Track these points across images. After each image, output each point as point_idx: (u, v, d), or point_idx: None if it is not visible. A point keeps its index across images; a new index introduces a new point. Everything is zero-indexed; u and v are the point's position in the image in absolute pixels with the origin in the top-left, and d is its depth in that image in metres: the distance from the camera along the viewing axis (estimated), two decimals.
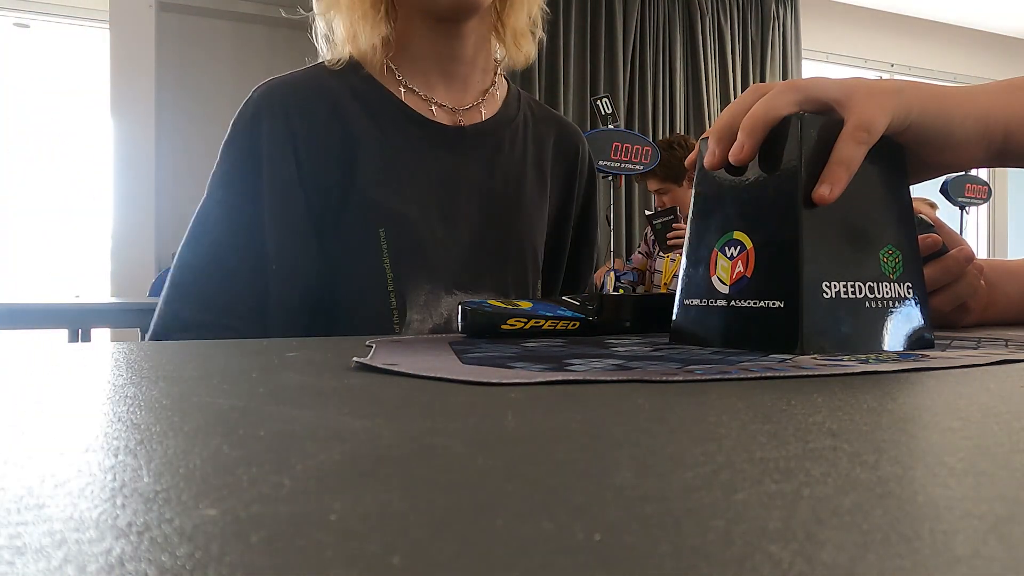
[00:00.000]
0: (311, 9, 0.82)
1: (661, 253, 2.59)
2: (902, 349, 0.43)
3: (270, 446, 0.18)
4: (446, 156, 0.80)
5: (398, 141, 0.79)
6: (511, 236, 0.83)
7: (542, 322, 0.53)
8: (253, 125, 0.76)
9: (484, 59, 0.84)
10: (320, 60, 0.82)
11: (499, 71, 0.87)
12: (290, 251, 0.74)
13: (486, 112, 0.84)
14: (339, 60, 0.80)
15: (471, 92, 0.84)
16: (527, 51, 0.85)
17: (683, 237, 2.27)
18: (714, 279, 0.46)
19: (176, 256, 0.76)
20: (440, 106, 0.81)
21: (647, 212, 2.53)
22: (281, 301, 0.73)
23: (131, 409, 0.24)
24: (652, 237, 2.52)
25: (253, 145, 0.75)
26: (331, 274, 0.75)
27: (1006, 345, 0.46)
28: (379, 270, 0.75)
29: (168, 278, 0.75)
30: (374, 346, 0.44)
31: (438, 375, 0.31)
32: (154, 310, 0.75)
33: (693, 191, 0.51)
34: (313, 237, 0.75)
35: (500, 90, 0.87)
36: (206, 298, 0.72)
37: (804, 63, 4.85)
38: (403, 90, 0.80)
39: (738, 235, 0.45)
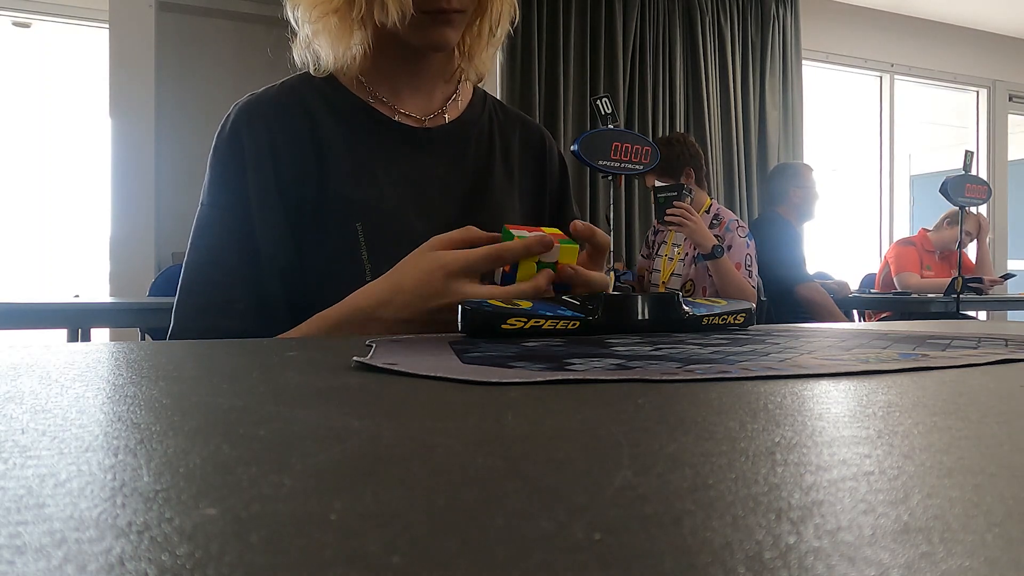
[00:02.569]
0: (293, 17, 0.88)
1: (659, 226, 2.57)
2: None
3: (270, 446, 0.18)
4: (414, 154, 0.87)
5: (368, 143, 0.85)
6: (484, 226, 0.87)
7: (542, 322, 0.53)
8: (233, 137, 0.81)
9: (448, 72, 0.90)
10: (295, 72, 0.89)
11: (462, 78, 0.93)
12: (276, 251, 0.79)
13: (449, 117, 0.91)
14: (322, 70, 0.86)
15: (435, 101, 0.90)
16: (483, 70, 0.92)
17: (682, 215, 2.28)
18: None
19: (183, 263, 0.82)
20: (406, 115, 0.88)
21: (656, 183, 2.50)
22: (272, 298, 0.79)
23: (131, 409, 0.24)
24: (654, 208, 2.48)
25: (236, 154, 0.81)
26: (313, 270, 0.79)
27: (1006, 345, 0.46)
28: (358, 263, 0.79)
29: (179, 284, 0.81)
30: (374, 346, 0.44)
31: (438, 375, 0.30)
32: (153, 310, 0.78)
33: None
34: (293, 238, 0.80)
35: (464, 96, 0.93)
36: (203, 304, 0.77)
37: (804, 63, 4.85)
38: (372, 100, 0.87)
39: None
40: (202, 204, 0.81)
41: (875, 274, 4.18)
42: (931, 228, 3.99)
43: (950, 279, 3.32)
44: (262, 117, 0.83)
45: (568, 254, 0.67)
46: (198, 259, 0.79)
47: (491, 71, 0.96)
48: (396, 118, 0.87)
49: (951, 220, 3.89)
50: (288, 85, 0.87)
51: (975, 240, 3.88)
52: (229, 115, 0.84)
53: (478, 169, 0.91)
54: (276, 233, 0.80)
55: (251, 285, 0.77)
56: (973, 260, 3.89)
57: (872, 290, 3.96)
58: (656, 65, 4.36)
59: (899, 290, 3.73)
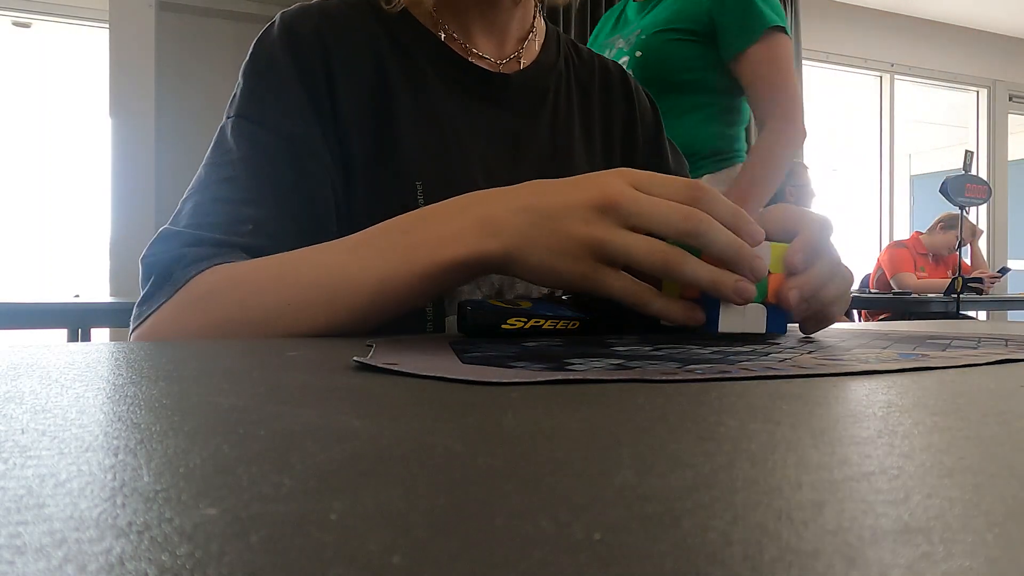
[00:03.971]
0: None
1: None
2: None
3: (270, 446, 0.18)
4: (487, 104, 0.75)
5: (438, 87, 0.73)
6: None
7: (542, 322, 0.53)
8: (282, 48, 0.67)
9: (523, 6, 0.78)
10: None
11: (538, 12, 0.81)
12: (321, 194, 0.66)
13: (525, 61, 0.79)
14: (393, 4, 0.73)
15: (510, 40, 0.79)
16: None
17: None
18: None
19: (185, 211, 0.64)
20: (480, 56, 0.76)
21: None
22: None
23: (131, 409, 0.24)
24: None
25: (283, 68, 0.67)
26: (360, 226, 0.60)
27: (1006, 345, 0.46)
28: None
29: (180, 224, 0.62)
30: (374, 346, 0.44)
31: (438, 374, 0.30)
32: None
33: None
34: (337, 189, 0.67)
35: (539, 35, 0.82)
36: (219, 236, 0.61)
37: (804, 63, 4.85)
38: (443, 35, 0.75)
39: None
40: (227, 118, 0.67)
41: (870, 275, 4.19)
42: (924, 231, 4.01)
43: (949, 279, 3.33)
44: (319, 33, 0.68)
45: (777, 261, 0.50)
46: (250, 193, 0.63)
47: None
48: (469, 59, 0.75)
49: (944, 224, 3.91)
50: (349, 3, 0.72)
51: (968, 244, 3.91)
52: (275, 22, 0.69)
53: (556, 124, 0.78)
54: (319, 174, 0.65)
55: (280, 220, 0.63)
56: (968, 262, 3.91)
57: (871, 290, 3.97)
58: None
59: (898, 290, 3.74)
